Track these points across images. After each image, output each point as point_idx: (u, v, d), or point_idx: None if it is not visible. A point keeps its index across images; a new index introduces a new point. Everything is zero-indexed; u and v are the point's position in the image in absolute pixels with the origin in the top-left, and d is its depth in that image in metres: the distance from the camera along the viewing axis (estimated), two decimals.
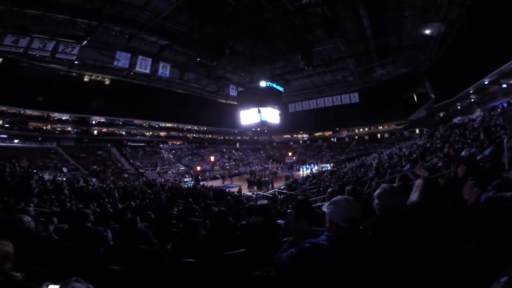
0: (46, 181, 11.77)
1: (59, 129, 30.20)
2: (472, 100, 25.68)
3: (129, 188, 14.40)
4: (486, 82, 22.65)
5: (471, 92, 25.09)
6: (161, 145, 38.25)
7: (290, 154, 40.25)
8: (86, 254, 2.24)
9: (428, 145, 14.63)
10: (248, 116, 28.49)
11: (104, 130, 33.93)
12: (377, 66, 29.19)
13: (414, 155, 10.10)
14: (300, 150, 45.58)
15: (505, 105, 19.27)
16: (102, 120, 33.90)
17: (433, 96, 32.94)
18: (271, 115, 28.61)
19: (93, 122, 33.31)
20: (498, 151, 3.85)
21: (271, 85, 25.48)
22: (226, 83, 32.79)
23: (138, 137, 36.91)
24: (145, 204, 8.06)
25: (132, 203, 8.04)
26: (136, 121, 36.99)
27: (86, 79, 28.36)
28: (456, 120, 25.35)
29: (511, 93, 19.73)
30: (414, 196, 2.47)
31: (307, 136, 49.60)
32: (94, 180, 17.79)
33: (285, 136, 50.20)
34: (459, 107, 28.13)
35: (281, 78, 29.33)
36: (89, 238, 2.73)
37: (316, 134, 48.73)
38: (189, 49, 22.75)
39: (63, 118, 30.83)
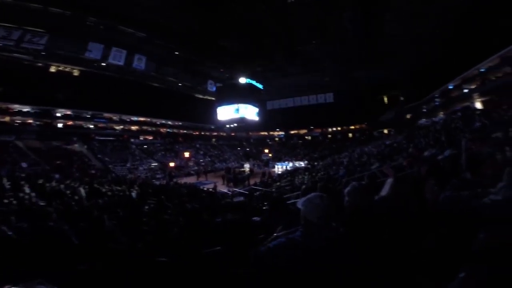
0: (3, 177, 10.82)
1: (19, 121, 27.75)
2: (437, 103, 27.54)
3: (96, 184, 13.70)
4: (450, 87, 24.43)
5: (436, 96, 26.89)
6: (132, 140, 36.63)
7: (266, 151, 40.57)
8: (50, 254, 2.10)
9: (395, 145, 15.54)
10: (226, 112, 28.33)
11: (70, 123, 31.71)
12: (354, 68, 30.32)
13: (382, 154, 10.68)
14: (276, 147, 46.12)
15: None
16: (68, 112, 31.65)
17: (402, 98, 34.90)
18: (250, 112, 28.69)
19: (58, 114, 30.99)
20: (457, 153, 4.16)
21: (251, 82, 25.50)
22: (204, 78, 32.26)
23: (108, 131, 35.01)
24: (114, 201, 7.73)
25: (100, 200, 7.67)
26: (106, 115, 35.00)
27: (52, 69, 26.38)
28: (421, 122, 27.05)
29: (471, 98, 21.46)
30: (384, 192, 2.62)
31: (283, 133, 50.30)
32: (57, 176, 16.66)
33: (262, 133, 50.46)
34: (425, 110, 30.00)
35: (261, 75, 29.38)
36: (52, 238, 2.56)
37: (292, 132, 49.61)
38: (169, 42, 22.01)
39: (24, 110, 28.33)
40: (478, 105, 20.91)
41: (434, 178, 2.68)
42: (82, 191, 8.99)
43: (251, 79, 25.05)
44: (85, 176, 19.89)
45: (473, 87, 21.20)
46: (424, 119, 27.71)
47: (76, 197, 7.97)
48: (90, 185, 11.99)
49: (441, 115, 25.77)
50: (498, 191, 1.47)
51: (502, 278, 0.74)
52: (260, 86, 27.98)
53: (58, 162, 23.54)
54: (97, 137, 33.01)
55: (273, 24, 19.36)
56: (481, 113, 14.88)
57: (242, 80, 23.78)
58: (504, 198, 1.35)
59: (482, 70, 19.42)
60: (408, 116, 33.86)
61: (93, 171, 24.27)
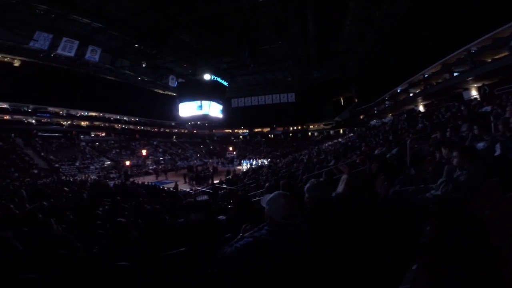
0: None
1: None
2: (386, 105, 29.92)
3: (40, 185, 12.36)
4: (398, 90, 26.76)
5: (386, 98, 29.23)
6: (81, 136, 33.53)
7: (230, 149, 40.43)
8: None
9: (350, 143, 16.63)
10: (188, 109, 27.43)
11: (7, 117, 27.86)
12: (314, 69, 31.65)
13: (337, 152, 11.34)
14: (240, 145, 46.19)
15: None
16: (5, 106, 27.80)
17: (356, 100, 37.40)
18: (214, 109, 28.18)
19: None
20: (403, 151, 4.61)
21: (215, 78, 24.99)
22: (165, 73, 30.83)
23: (53, 126, 31.53)
24: (62, 204, 7.05)
25: (45, 203, 6.92)
26: (51, 109, 31.50)
27: None
28: (372, 122, 29.22)
29: (416, 101, 23.81)
30: (340, 189, 2.80)
31: (247, 131, 50.52)
32: None
33: (226, 130, 50.02)
34: (376, 111, 32.43)
35: (226, 72, 29.04)
36: None
37: (256, 130, 50.09)
38: (127, 34, 20.49)
39: None
40: (421, 108, 23.39)
41: (383, 174, 2.95)
42: (24, 192, 8.03)
43: (216, 75, 24.59)
44: (25, 177, 17.79)
45: (417, 91, 23.58)
46: (375, 120, 30.03)
47: (17, 200, 7.09)
48: (32, 186, 10.74)
49: (389, 116, 28.18)
50: (438, 186, 1.67)
51: (449, 269, 0.84)
52: (225, 83, 27.61)
53: None
54: (40, 133, 29.61)
55: (241, 21, 19.26)
56: (423, 115, 16.63)
57: (207, 76, 23.22)
58: (443, 193, 1.54)
59: (426, 75, 21.70)
60: (361, 116, 36.38)
61: (35, 171, 21.74)
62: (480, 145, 3.22)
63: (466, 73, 16.47)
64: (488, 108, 7.92)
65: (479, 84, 16.52)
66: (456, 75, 17.68)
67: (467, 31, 15.42)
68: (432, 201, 1.52)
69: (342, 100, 41.90)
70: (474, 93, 17.00)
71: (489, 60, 15.24)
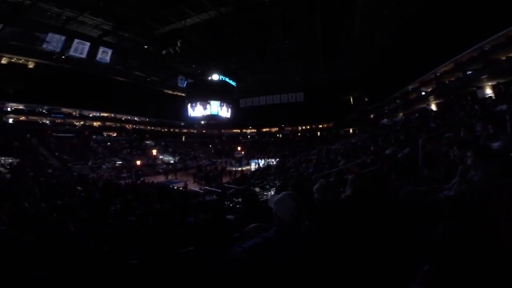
0: None
1: None
2: (397, 103, 29.41)
3: (53, 184, 12.71)
4: (409, 89, 26.28)
5: (397, 97, 28.74)
6: (94, 137, 34.32)
7: (239, 148, 40.53)
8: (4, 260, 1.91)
9: (360, 143, 16.40)
10: (197, 109, 27.71)
11: (23, 118, 28.84)
12: (323, 68, 31.39)
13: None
14: (248, 144, 46.23)
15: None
16: (21, 107, 28.77)
17: (366, 99, 36.87)
18: (222, 109, 28.37)
19: (8, 109, 28.01)
20: (415, 151, 4.51)
21: (224, 79, 25.19)
22: (174, 73, 31.22)
23: (66, 127, 32.43)
24: (75, 202, 7.23)
25: (59, 201, 7.12)
26: (64, 110, 32.46)
27: (3, 61, 23.79)
28: (383, 121, 28.77)
29: (427, 100, 23.31)
30: (348, 191, 2.76)
31: (255, 131, 50.53)
32: (7, 176, 15.15)
33: (234, 130, 50.18)
34: (386, 110, 31.93)
35: (234, 72, 29.20)
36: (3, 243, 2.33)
37: (264, 129, 50.05)
38: (136, 35, 20.89)
39: None
40: (433, 106, 22.88)
41: (394, 174, 2.89)
42: (37, 191, 8.27)
43: (224, 75, 24.74)
44: (40, 176, 18.32)
45: (429, 89, 23.07)
46: (386, 119, 29.53)
47: (32, 199, 7.31)
48: (47, 185, 11.05)
49: (400, 115, 27.67)
50: (451, 187, 1.64)
51: (460, 270, 0.82)
52: (233, 83, 27.76)
53: (9, 161, 21.34)
54: (54, 134, 30.45)
55: (248, 21, 19.30)
56: (436, 114, 16.25)
57: (215, 76, 23.39)
58: (456, 194, 1.50)
59: (438, 74, 21.21)
60: (372, 116, 35.85)
61: (50, 170, 22.38)
62: (496, 144, 3.12)
63: (480, 71, 16.05)
64: (504, 107, 7.66)
65: (494, 83, 16.04)
66: (470, 73, 17.24)
67: (480, 29, 15.05)
68: (444, 202, 1.49)
69: (351, 99, 41.37)
70: (488, 91, 16.52)
71: (504, 58, 14.82)
